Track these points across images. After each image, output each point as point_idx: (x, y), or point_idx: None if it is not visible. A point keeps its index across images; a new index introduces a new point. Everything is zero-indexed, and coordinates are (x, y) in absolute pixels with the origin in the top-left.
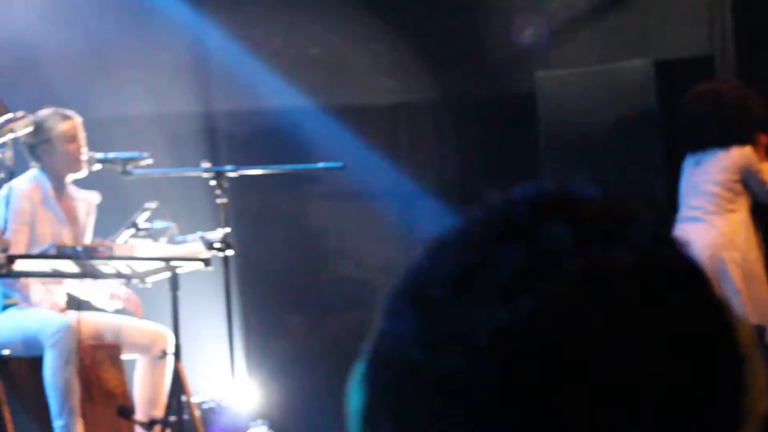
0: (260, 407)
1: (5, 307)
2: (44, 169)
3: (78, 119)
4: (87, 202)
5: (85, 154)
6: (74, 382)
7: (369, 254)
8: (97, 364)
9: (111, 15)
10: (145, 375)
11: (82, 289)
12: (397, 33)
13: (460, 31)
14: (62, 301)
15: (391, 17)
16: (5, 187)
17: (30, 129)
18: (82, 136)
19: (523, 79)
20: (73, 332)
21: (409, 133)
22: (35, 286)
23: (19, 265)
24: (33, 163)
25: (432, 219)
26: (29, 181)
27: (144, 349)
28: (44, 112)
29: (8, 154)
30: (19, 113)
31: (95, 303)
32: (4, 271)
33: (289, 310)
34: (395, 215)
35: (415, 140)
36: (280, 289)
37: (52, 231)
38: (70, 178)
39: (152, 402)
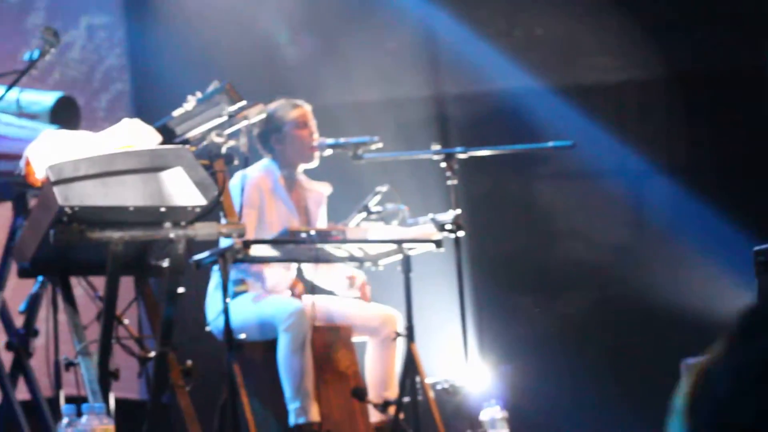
0: (493, 388)
1: (235, 295)
2: (276, 159)
3: (308, 107)
4: (318, 192)
5: (316, 141)
6: (308, 366)
7: (598, 234)
8: (330, 347)
9: (339, 2)
10: (376, 357)
11: (319, 275)
12: (621, 10)
13: (687, 6)
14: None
15: None
16: (239, 173)
17: (263, 116)
18: (312, 123)
19: (752, 52)
20: (307, 316)
21: (637, 111)
22: (270, 271)
23: (255, 251)
24: (265, 154)
25: (661, 197)
26: (260, 170)
27: (373, 331)
28: (275, 103)
29: (242, 141)
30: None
31: (332, 289)
32: (240, 255)
33: (520, 290)
34: (624, 194)
35: (643, 117)
36: (511, 270)
37: (280, 220)
38: (302, 167)
39: (384, 384)
